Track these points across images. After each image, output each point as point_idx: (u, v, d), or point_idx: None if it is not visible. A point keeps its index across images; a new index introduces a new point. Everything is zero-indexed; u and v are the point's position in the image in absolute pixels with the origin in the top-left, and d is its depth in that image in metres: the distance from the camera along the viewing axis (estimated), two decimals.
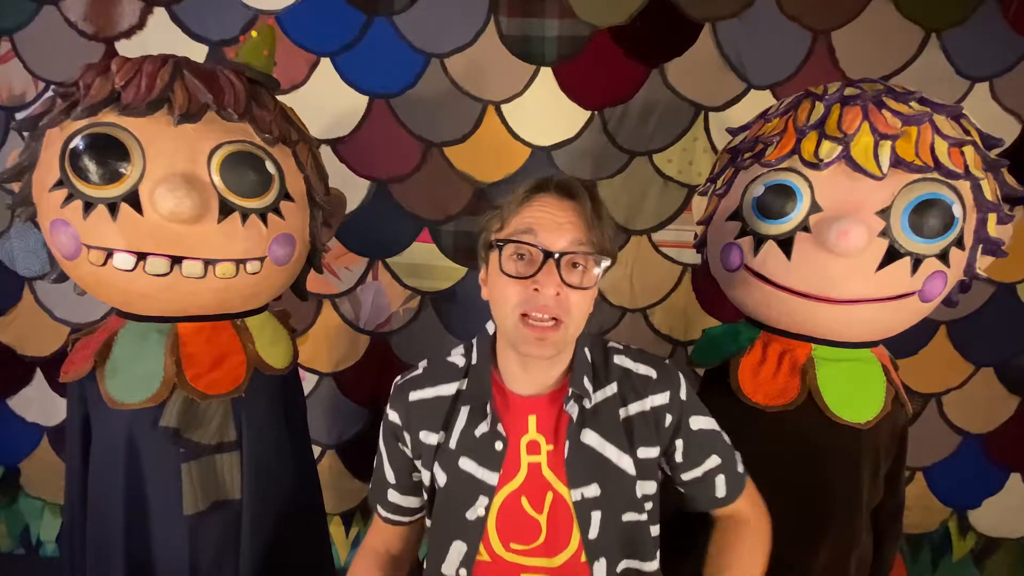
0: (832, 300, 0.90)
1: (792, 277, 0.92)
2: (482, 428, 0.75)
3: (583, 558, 0.74)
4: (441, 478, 0.77)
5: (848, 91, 0.89)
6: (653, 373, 0.77)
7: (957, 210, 0.85)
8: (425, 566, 0.81)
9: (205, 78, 0.86)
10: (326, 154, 1.43)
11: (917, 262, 0.87)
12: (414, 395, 0.79)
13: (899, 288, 0.89)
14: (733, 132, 1.07)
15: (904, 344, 1.18)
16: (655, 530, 0.79)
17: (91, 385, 0.92)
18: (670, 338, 1.56)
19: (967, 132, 0.88)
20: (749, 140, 0.99)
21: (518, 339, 0.70)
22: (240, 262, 0.90)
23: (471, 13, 1.39)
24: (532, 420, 0.75)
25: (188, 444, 0.92)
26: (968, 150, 0.86)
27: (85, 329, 1.00)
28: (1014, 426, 1.57)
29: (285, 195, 0.93)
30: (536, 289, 0.67)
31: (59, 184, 0.83)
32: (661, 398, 0.76)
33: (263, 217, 0.90)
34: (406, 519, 0.85)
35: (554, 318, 0.68)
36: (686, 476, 0.79)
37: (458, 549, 0.76)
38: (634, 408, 0.76)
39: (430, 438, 0.77)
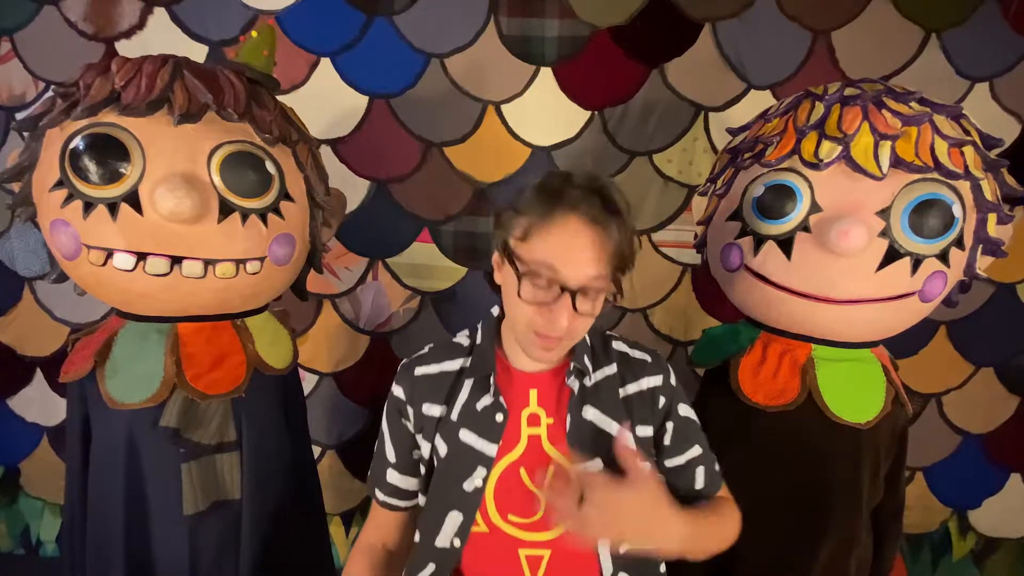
0: (832, 300, 0.90)
1: (792, 277, 0.92)
2: (484, 401, 0.77)
3: None
4: (442, 448, 0.78)
5: (848, 91, 0.89)
6: (648, 358, 0.82)
7: (957, 210, 0.85)
8: (417, 538, 0.81)
9: (205, 78, 0.86)
10: (326, 154, 1.43)
11: (917, 262, 0.87)
12: (419, 370, 0.82)
13: (899, 288, 0.89)
14: (733, 132, 1.07)
15: (904, 344, 1.18)
16: None
17: (91, 385, 0.92)
18: (670, 338, 1.56)
19: (967, 132, 0.88)
20: (749, 140, 0.99)
21: (526, 344, 0.73)
22: (240, 262, 0.90)
23: (471, 13, 1.39)
24: (533, 394, 0.77)
25: (188, 444, 0.92)
26: (968, 150, 0.86)
27: (85, 329, 1.00)
28: (1014, 426, 1.57)
29: (285, 195, 0.93)
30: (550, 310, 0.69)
31: (59, 184, 0.83)
32: (656, 380, 0.80)
33: (263, 217, 0.90)
34: (403, 503, 0.85)
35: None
36: (669, 463, 0.80)
37: (454, 519, 0.77)
38: (632, 388, 0.79)
39: (433, 410, 0.79)
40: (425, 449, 0.80)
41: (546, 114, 1.44)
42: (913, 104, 0.86)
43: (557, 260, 0.66)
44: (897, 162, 0.84)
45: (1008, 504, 1.63)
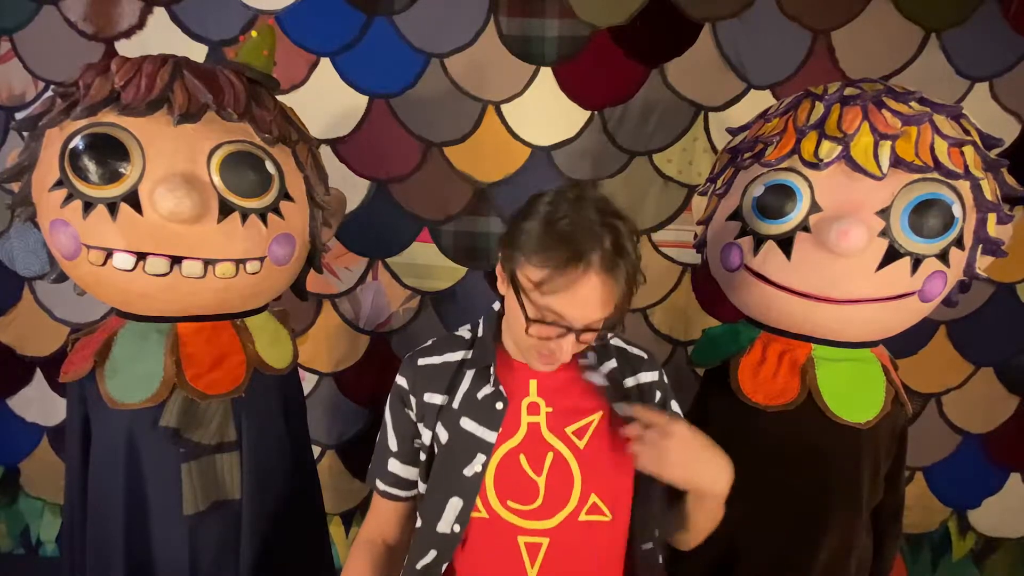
0: (832, 300, 0.90)
1: (792, 277, 0.92)
2: (485, 390, 0.79)
3: (581, 516, 0.76)
4: (443, 435, 0.79)
5: (848, 91, 0.89)
6: (644, 354, 0.86)
7: (957, 210, 0.85)
8: (419, 525, 0.82)
9: (205, 78, 0.86)
10: (326, 154, 1.42)
11: (917, 262, 0.87)
12: (422, 361, 0.84)
13: (899, 288, 0.89)
14: (733, 132, 1.06)
15: (904, 344, 1.18)
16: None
17: (91, 385, 0.91)
18: (670, 338, 1.56)
19: (967, 132, 0.88)
20: (749, 140, 0.99)
21: (528, 356, 0.76)
22: (240, 262, 0.90)
23: (471, 13, 1.39)
24: (533, 383, 0.80)
25: (188, 444, 0.92)
26: (968, 150, 0.86)
27: (85, 329, 1.00)
28: (1014, 426, 1.57)
29: (285, 195, 0.93)
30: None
31: (59, 184, 0.83)
32: (652, 375, 0.84)
33: (263, 217, 0.90)
34: (403, 493, 0.85)
35: None
36: None
37: (454, 505, 0.78)
38: (630, 382, 0.82)
39: (435, 399, 0.81)
40: (426, 437, 0.81)
41: (546, 114, 1.44)
42: (913, 104, 0.86)
43: (566, 310, 0.67)
44: (897, 162, 0.84)
45: (1008, 504, 1.63)
